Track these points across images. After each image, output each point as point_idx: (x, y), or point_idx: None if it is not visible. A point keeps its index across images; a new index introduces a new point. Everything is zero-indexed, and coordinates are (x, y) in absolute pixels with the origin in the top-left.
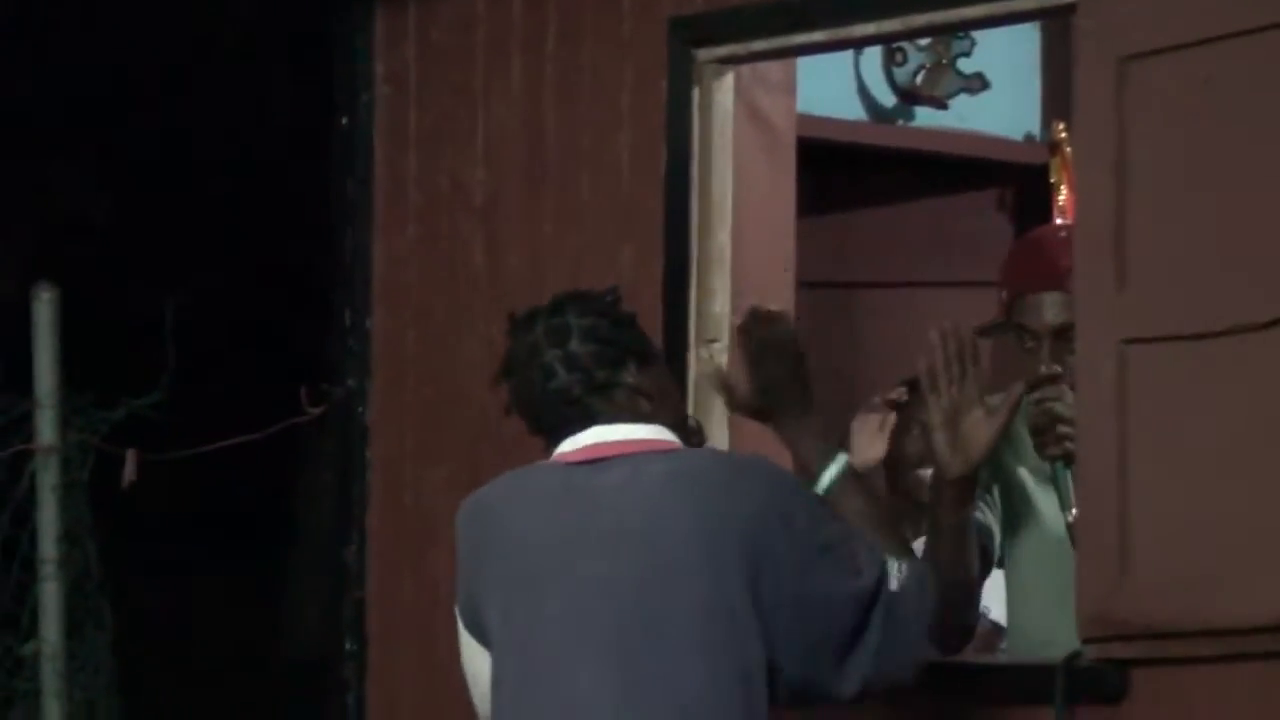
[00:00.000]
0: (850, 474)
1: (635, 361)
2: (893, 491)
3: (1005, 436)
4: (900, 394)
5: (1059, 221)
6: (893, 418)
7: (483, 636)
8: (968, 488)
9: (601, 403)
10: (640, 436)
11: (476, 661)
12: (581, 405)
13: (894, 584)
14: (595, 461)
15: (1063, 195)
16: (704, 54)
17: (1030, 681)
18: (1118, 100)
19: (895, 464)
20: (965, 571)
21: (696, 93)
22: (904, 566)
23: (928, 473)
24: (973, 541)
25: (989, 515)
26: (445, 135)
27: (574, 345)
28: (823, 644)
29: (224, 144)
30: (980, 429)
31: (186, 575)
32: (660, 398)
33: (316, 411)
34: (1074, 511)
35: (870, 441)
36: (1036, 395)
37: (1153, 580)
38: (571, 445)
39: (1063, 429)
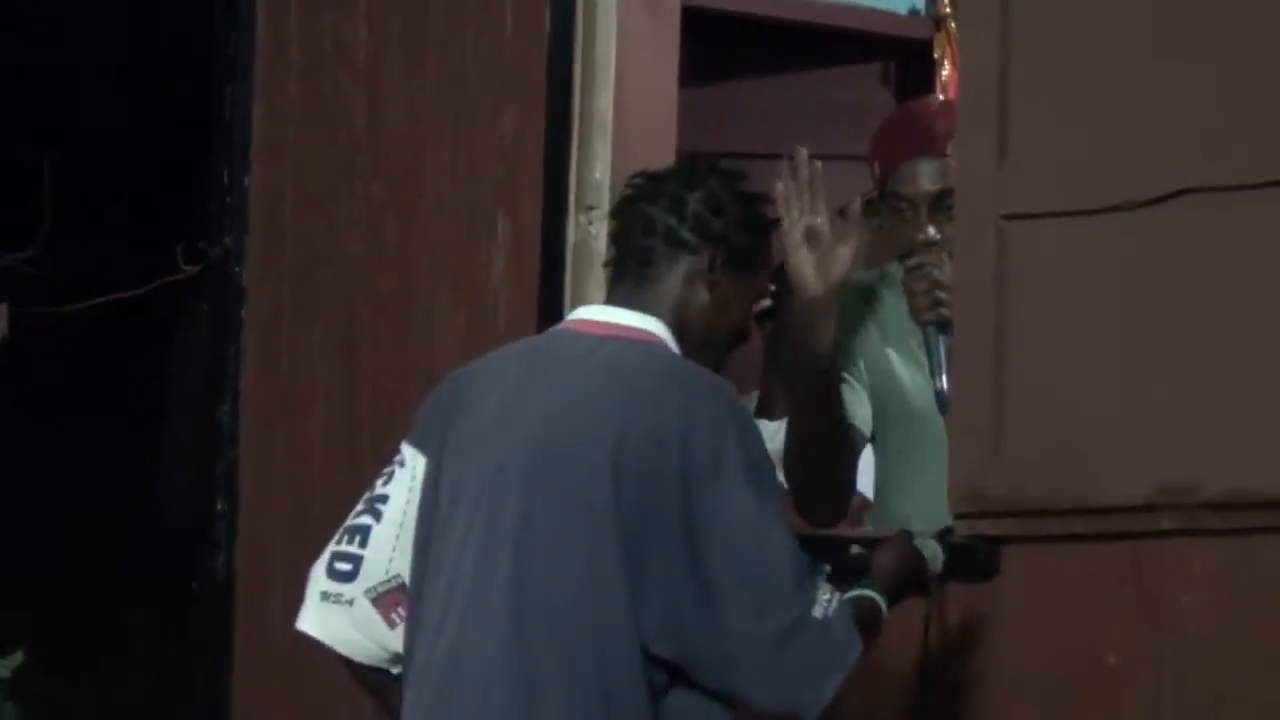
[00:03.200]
0: (878, 611)
1: (725, 254)
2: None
3: (873, 315)
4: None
5: (934, 96)
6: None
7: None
8: (829, 308)
9: (656, 262)
10: (618, 321)
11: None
12: (642, 249)
13: (819, 610)
14: (576, 334)
15: (945, 71)
16: None
17: None
18: None
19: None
20: (835, 411)
21: None
22: (836, 605)
23: None
24: (838, 386)
25: (859, 391)
26: None
27: (694, 196)
28: (730, 589)
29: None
30: (836, 250)
31: (59, 433)
32: (710, 304)
33: (192, 270)
34: (944, 379)
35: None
36: (914, 261)
37: (1026, 457)
38: (573, 315)
39: (939, 294)
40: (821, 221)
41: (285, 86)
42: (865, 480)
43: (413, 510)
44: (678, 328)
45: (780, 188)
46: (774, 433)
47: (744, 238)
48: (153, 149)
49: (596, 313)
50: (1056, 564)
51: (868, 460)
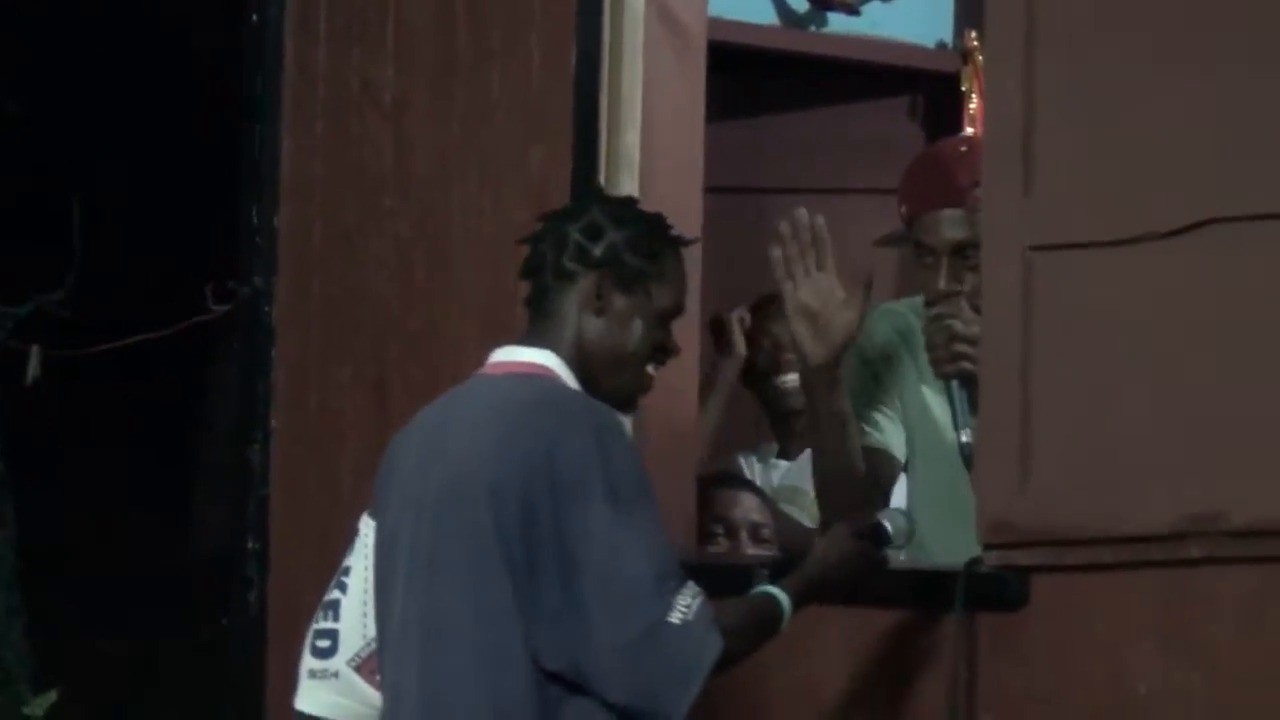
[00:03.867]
0: (772, 605)
1: (614, 278)
2: (760, 401)
3: (907, 345)
4: (744, 318)
5: (962, 135)
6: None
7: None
8: (832, 374)
9: (549, 297)
10: (517, 359)
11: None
12: (537, 286)
13: (676, 616)
14: (484, 376)
15: (973, 104)
16: None
17: (931, 587)
18: (1028, 5)
19: (753, 375)
20: (850, 459)
21: None
22: (699, 609)
23: (788, 379)
24: (854, 432)
25: (894, 422)
26: (355, 33)
27: (574, 228)
28: (588, 599)
29: (133, 40)
30: (840, 315)
31: (91, 474)
32: (604, 326)
33: (222, 310)
34: (966, 432)
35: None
36: (934, 312)
37: (1054, 487)
38: (491, 357)
39: (958, 347)
40: (823, 288)
41: (313, 126)
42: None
43: (370, 574)
44: (577, 355)
45: (778, 252)
46: (784, 473)
47: (630, 258)
48: (181, 189)
49: (503, 354)
50: (1085, 593)
51: (901, 492)
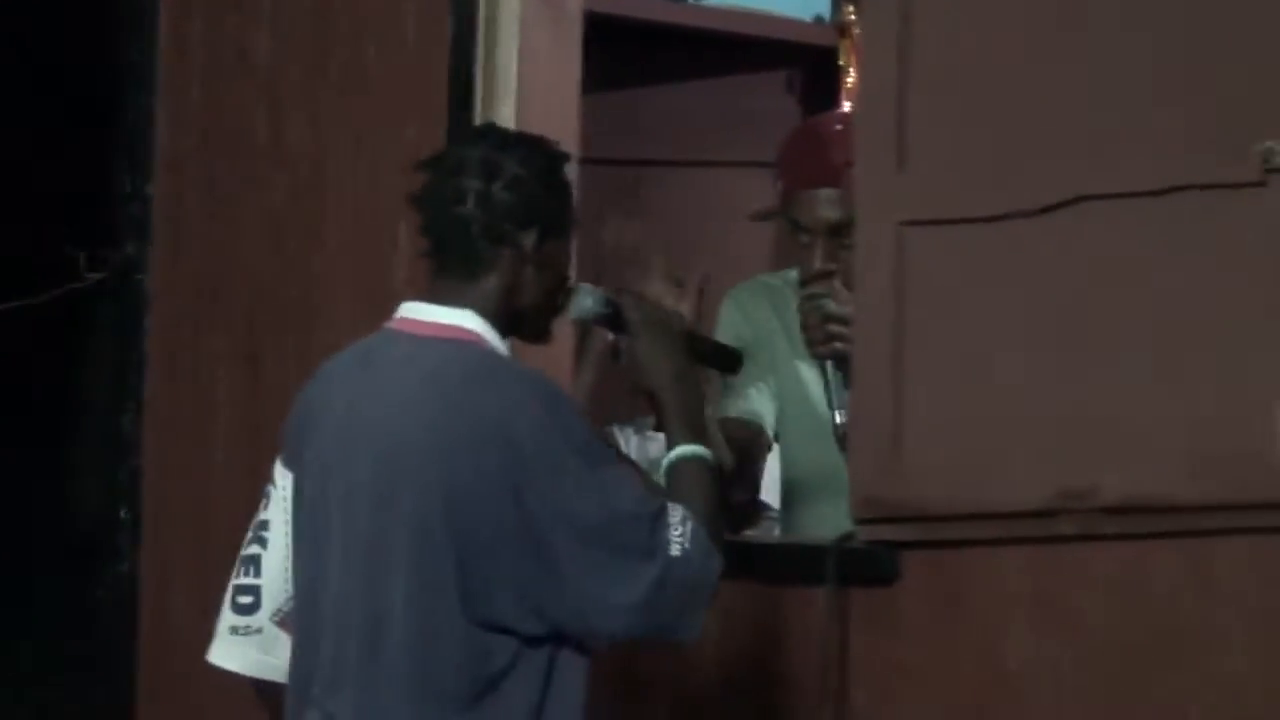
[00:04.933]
0: (700, 463)
1: (541, 229)
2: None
3: (781, 319)
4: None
5: (839, 111)
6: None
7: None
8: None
9: (479, 259)
10: (438, 320)
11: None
12: (462, 249)
13: (675, 549)
14: (399, 334)
15: (850, 79)
16: None
17: (803, 562)
18: None
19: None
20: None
21: None
22: (690, 529)
23: None
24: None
25: (765, 396)
26: (231, 1)
27: (497, 186)
28: (587, 572)
29: (7, 3)
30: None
31: None
32: (539, 276)
33: (95, 278)
34: (841, 413)
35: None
36: (807, 291)
37: (926, 463)
38: (400, 311)
39: (832, 328)
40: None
41: (188, 94)
42: (770, 493)
43: (289, 529)
44: (508, 309)
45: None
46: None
47: (554, 206)
48: (56, 156)
49: (417, 311)
50: (957, 569)
51: (773, 472)
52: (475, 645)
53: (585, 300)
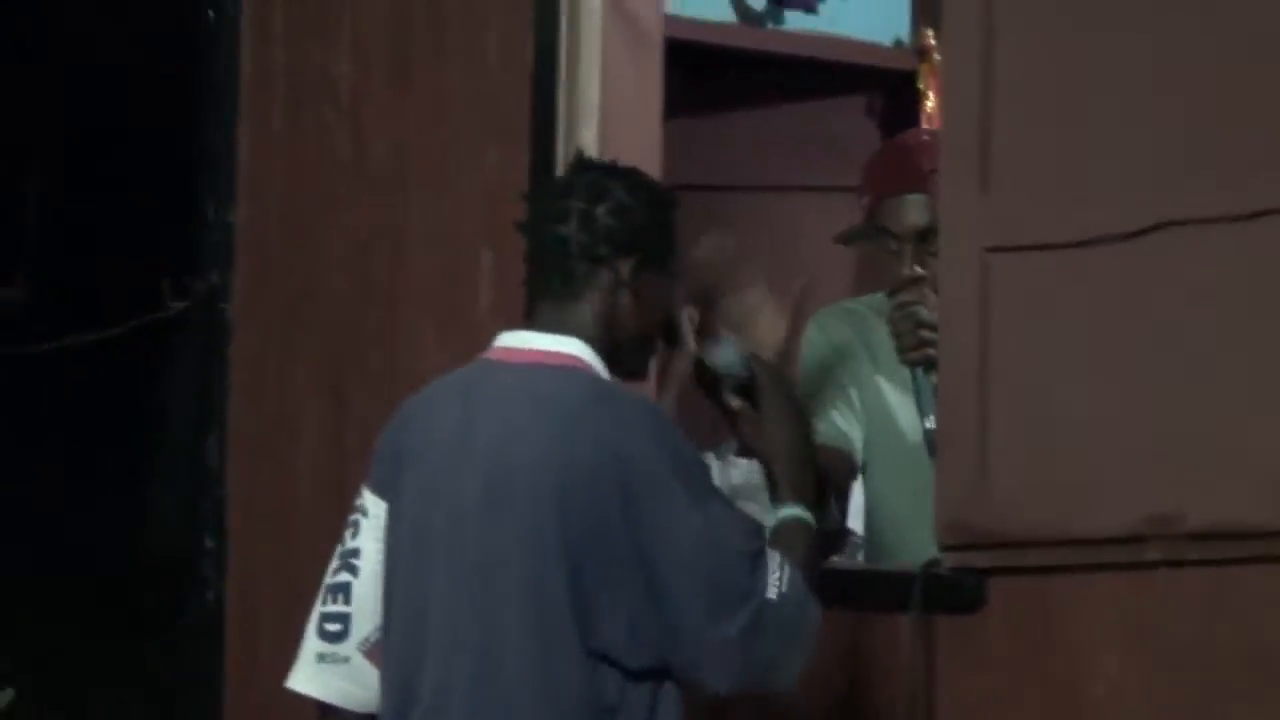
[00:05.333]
0: (804, 527)
1: (641, 259)
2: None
3: (864, 343)
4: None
5: (922, 128)
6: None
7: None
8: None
9: (575, 281)
10: (541, 347)
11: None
12: (561, 269)
13: (773, 592)
14: (502, 364)
15: (930, 102)
16: None
17: (888, 589)
18: (985, 4)
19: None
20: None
21: None
22: (789, 574)
23: None
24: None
25: (850, 421)
26: (312, 28)
27: (601, 210)
28: (685, 601)
29: (90, 33)
30: (771, 328)
31: (47, 472)
32: (636, 307)
33: (179, 306)
34: (932, 419)
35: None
36: (899, 299)
37: (1011, 489)
38: (498, 341)
39: (924, 334)
40: (752, 302)
41: (270, 120)
42: (855, 518)
43: (382, 558)
44: (607, 339)
45: (699, 280)
46: (745, 472)
47: (656, 238)
48: (139, 183)
49: (518, 339)
50: (1043, 595)
51: (857, 494)
52: (592, 675)
53: (729, 354)
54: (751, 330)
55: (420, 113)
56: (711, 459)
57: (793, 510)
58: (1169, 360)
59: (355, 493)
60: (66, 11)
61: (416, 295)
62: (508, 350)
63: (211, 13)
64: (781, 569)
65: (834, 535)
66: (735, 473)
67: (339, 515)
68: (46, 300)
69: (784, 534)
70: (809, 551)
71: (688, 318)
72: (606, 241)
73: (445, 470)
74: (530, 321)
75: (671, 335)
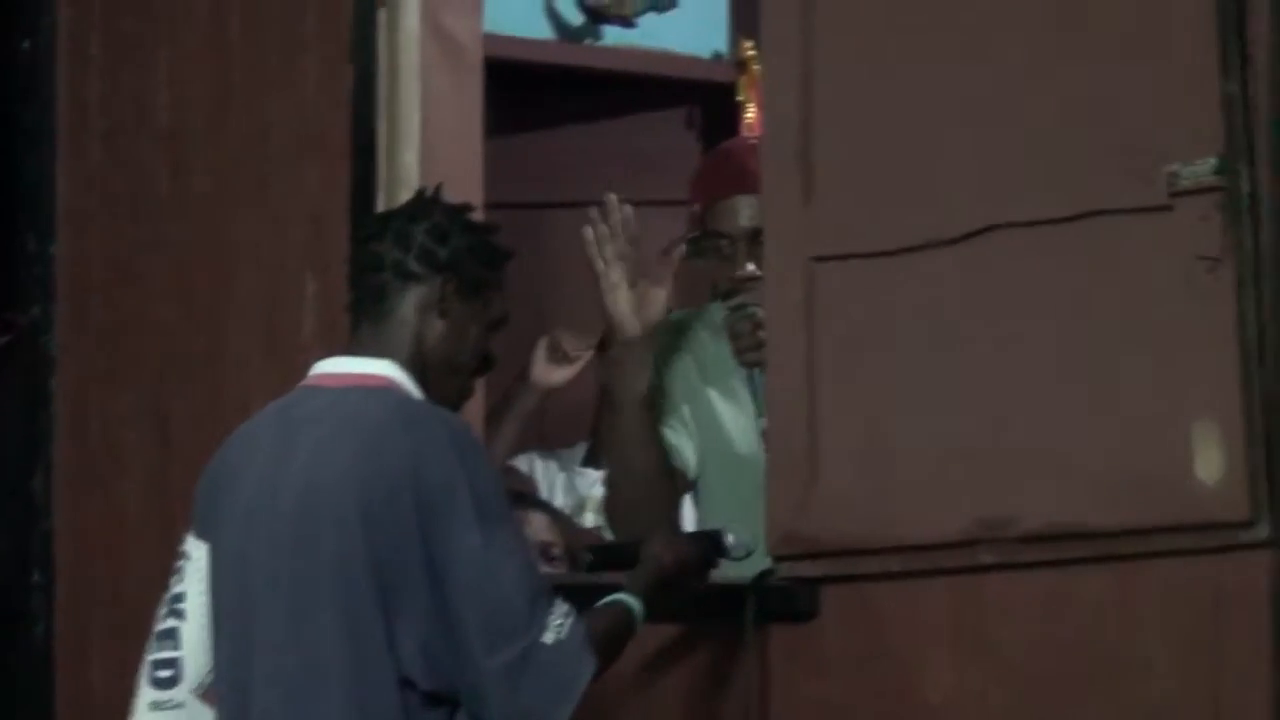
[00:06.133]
0: (628, 614)
1: (454, 283)
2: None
3: (691, 355)
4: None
5: (748, 136)
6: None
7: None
8: (646, 351)
9: (388, 299)
10: (355, 371)
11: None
12: (375, 287)
13: (550, 635)
14: (316, 389)
15: (750, 113)
16: None
17: (721, 600)
18: (804, 13)
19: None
20: (652, 447)
21: (382, 13)
22: (572, 626)
23: None
24: (654, 421)
25: (681, 435)
26: (129, 59)
27: (418, 229)
28: (465, 625)
29: None
30: (653, 291)
31: None
32: (447, 331)
33: (1, 341)
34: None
35: (547, 366)
36: (736, 300)
37: (841, 497)
38: (315, 369)
39: (762, 335)
40: (635, 262)
41: (88, 152)
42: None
43: (207, 599)
44: (417, 360)
45: (590, 233)
46: (593, 482)
47: (473, 265)
48: None
49: (334, 365)
50: (877, 603)
51: (688, 508)
52: (401, 696)
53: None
54: (638, 292)
55: (240, 139)
56: (556, 467)
57: (626, 596)
58: (999, 363)
59: (182, 530)
60: None
61: (241, 322)
62: (322, 376)
63: (25, 43)
64: (567, 619)
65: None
66: (582, 482)
67: (167, 547)
68: None
69: (606, 606)
70: (616, 630)
71: (545, 346)
72: (420, 260)
73: (260, 496)
74: (349, 346)
75: (486, 365)
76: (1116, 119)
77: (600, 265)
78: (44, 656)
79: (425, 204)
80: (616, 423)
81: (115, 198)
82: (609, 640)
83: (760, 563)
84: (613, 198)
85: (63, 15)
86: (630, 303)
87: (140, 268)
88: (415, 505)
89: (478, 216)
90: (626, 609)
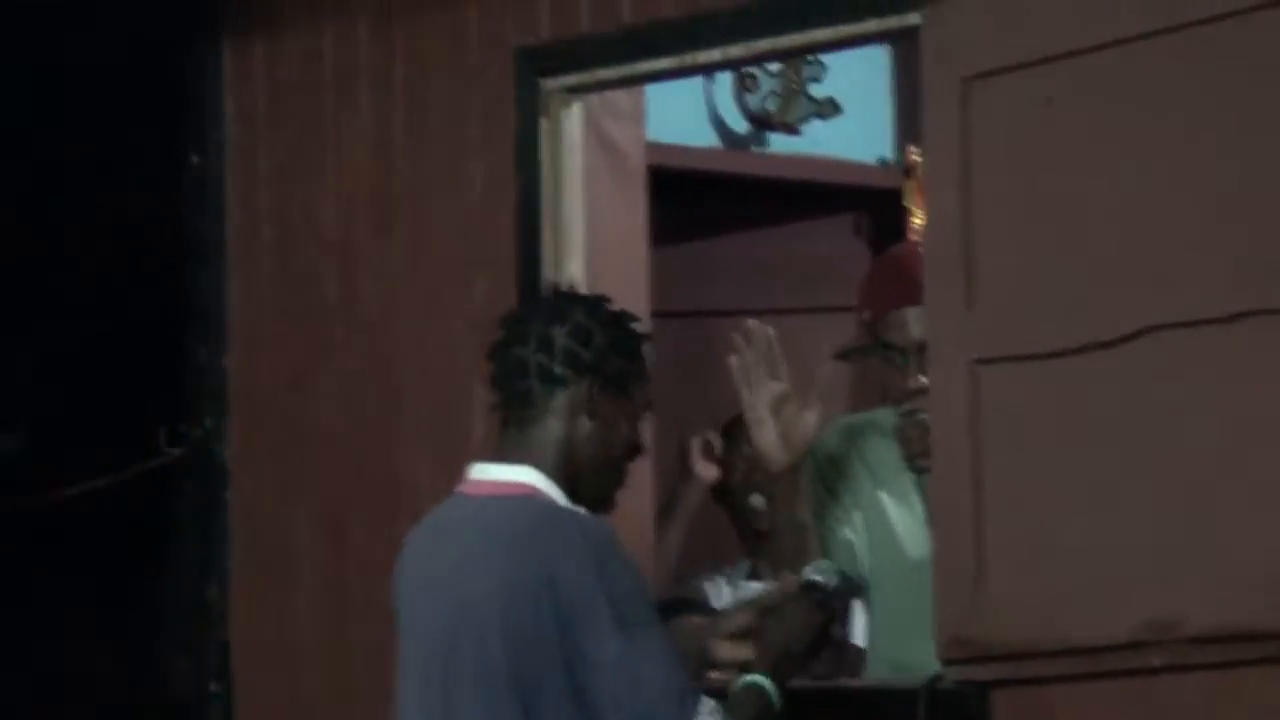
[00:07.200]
0: (761, 695)
1: (600, 381)
2: (733, 522)
3: (862, 459)
4: (715, 443)
5: (915, 241)
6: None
7: None
8: (795, 480)
9: (534, 405)
10: (498, 479)
11: None
12: (520, 393)
13: None
14: (464, 498)
15: (917, 218)
16: (550, 83)
17: (892, 704)
18: (963, 119)
19: (726, 496)
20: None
21: (545, 122)
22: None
23: (760, 499)
24: (813, 543)
25: (853, 538)
26: (296, 171)
27: (559, 331)
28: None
29: (73, 188)
30: (801, 418)
31: (50, 623)
32: (596, 431)
33: (175, 453)
34: None
35: (706, 464)
36: (907, 408)
37: (1009, 600)
38: (469, 474)
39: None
40: (783, 390)
41: (258, 264)
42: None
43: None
44: (567, 461)
45: (736, 361)
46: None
47: (616, 362)
48: (131, 333)
49: (481, 472)
50: (1046, 706)
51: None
52: None
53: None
54: (784, 421)
55: (406, 249)
56: (721, 584)
57: (757, 678)
58: (1161, 464)
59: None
60: (53, 163)
61: (411, 431)
62: (471, 484)
63: (194, 157)
64: (714, 716)
65: (839, 650)
66: (746, 596)
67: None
68: (43, 451)
69: (741, 695)
70: (759, 716)
71: (701, 443)
72: (564, 363)
73: (416, 609)
74: (496, 453)
75: (634, 453)
76: (1276, 215)
77: (746, 395)
78: None
79: (563, 303)
80: (776, 548)
81: (285, 308)
82: None
83: (931, 665)
84: (754, 323)
85: (230, 129)
86: (776, 435)
87: (311, 377)
88: (554, 614)
89: (614, 306)
90: (761, 691)
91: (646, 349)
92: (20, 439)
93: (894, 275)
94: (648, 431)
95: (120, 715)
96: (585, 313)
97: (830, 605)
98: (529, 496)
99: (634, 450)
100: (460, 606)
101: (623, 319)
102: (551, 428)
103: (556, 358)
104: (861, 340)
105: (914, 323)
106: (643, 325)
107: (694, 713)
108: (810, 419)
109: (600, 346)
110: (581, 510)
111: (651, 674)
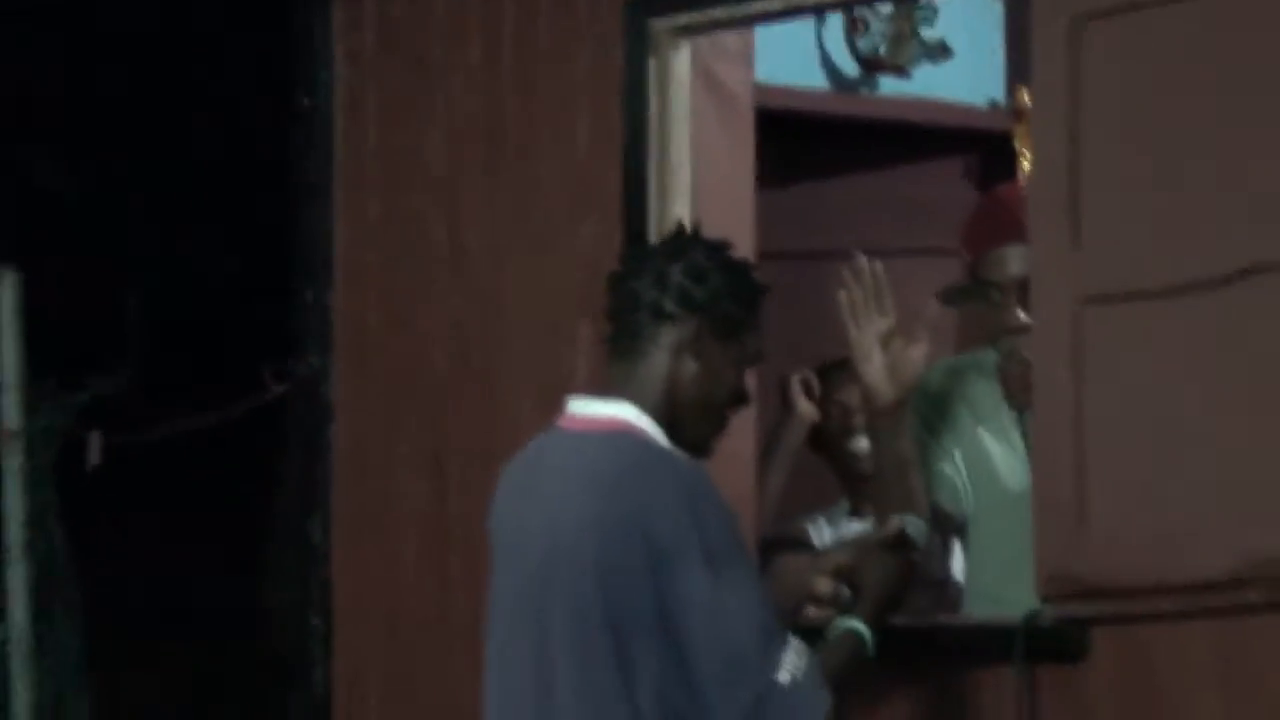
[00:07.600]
0: (858, 642)
1: (709, 323)
2: (832, 466)
3: (963, 397)
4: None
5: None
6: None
7: None
8: (899, 416)
9: (641, 338)
10: (596, 415)
11: None
12: (629, 325)
13: (785, 675)
14: (561, 432)
15: (1027, 161)
16: (660, 24)
17: (990, 641)
18: (1071, 60)
19: (823, 440)
20: (914, 506)
21: (653, 63)
22: (808, 665)
23: (859, 442)
24: (917, 479)
25: (953, 474)
26: (404, 112)
27: (676, 268)
28: (698, 665)
29: (183, 127)
30: (908, 354)
31: (156, 558)
32: (699, 373)
33: (280, 390)
34: None
35: (807, 402)
36: (1008, 346)
37: (1110, 538)
38: (567, 408)
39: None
40: (890, 326)
41: (365, 205)
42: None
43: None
44: (668, 401)
45: (844, 296)
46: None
47: (729, 305)
48: (238, 273)
49: (580, 406)
50: (1145, 644)
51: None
52: None
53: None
54: (891, 357)
55: (514, 190)
56: (822, 524)
57: (855, 623)
58: (1265, 400)
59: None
60: (165, 106)
61: (515, 370)
62: (569, 418)
63: (305, 99)
64: (801, 657)
65: (938, 587)
66: (849, 535)
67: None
68: (150, 388)
69: (837, 639)
70: (851, 662)
71: (799, 381)
72: (675, 299)
73: (512, 541)
74: (598, 387)
75: (739, 402)
76: None
77: (854, 331)
78: (323, 700)
79: (684, 242)
80: (880, 485)
81: (392, 249)
82: (845, 673)
83: (1030, 602)
84: (863, 259)
85: (340, 70)
86: (883, 370)
87: (416, 317)
88: (647, 553)
89: (737, 254)
90: (858, 638)
91: (762, 300)
92: (128, 377)
93: (994, 215)
94: (753, 378)
95: (224, 647)
96: (705, 254)
97: (915, 562)
98: (624, 433)
99: (739, 399)
100: (554, 543)
101: (743, 267)
102: (656, 364)
103: (669, 293)
104: (959, 284)
105: (1014, 260)
106: (763, 276)
107: (781, 651)
108: (917, 355)
109: (714, 288)
110: (677, 451)
111: (739, 612)
